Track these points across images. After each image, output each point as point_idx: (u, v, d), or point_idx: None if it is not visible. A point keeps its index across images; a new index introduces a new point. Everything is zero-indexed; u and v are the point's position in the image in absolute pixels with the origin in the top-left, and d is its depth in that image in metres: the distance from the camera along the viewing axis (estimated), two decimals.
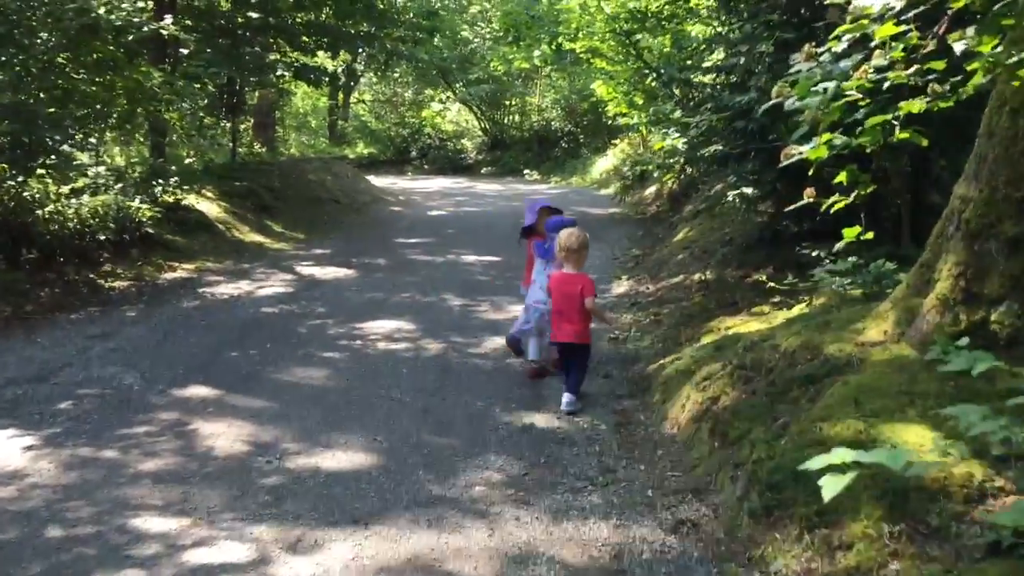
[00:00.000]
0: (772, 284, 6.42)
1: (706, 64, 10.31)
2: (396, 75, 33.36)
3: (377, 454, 4.83)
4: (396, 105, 35.78)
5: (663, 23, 16.79)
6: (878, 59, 2.76)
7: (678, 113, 6.71)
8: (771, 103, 3.03)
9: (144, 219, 10.55)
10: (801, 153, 3.00)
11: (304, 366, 6.62)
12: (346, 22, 17.05)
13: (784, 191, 8.05)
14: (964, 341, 3.95)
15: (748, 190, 6.98)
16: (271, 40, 16.89)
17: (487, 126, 32.77)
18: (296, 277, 10.31)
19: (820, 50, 2.91)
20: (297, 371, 6.49)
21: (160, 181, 11.56)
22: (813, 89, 2.86)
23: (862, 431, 3.61)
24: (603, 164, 24.31)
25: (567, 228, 6.05)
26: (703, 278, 8.30)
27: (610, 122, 26.22)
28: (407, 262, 11.33)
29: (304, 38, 16.91)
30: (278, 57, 17.43)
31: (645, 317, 7.84)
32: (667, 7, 16.33)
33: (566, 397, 5.61)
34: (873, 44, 2.77)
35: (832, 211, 4.24)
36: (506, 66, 24.27)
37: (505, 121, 32.80)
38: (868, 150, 3.07)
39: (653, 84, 18.35)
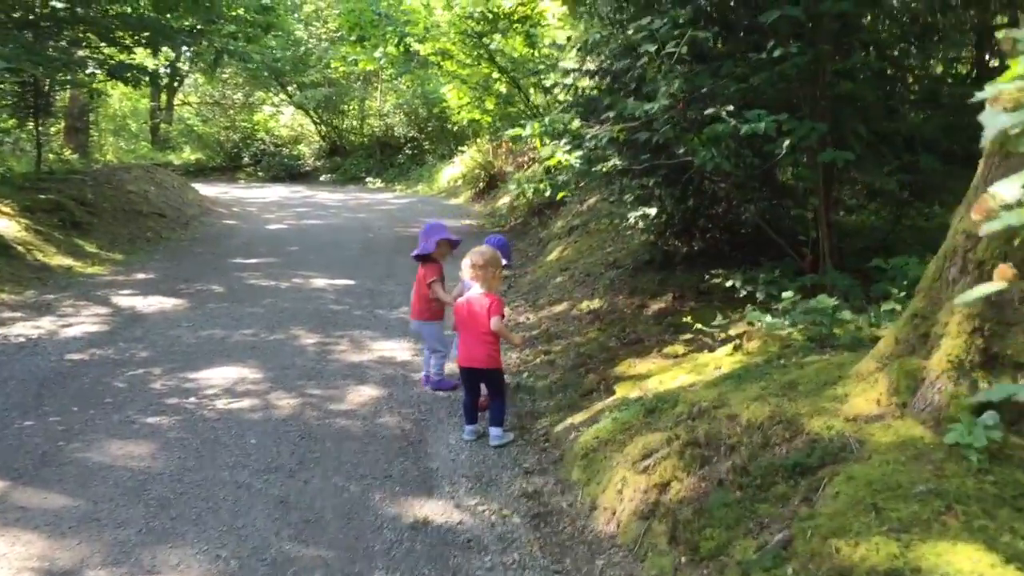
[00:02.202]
0: (699, 325, 5.53)
1: (567, 66, 9.46)
2: (225, 76, 31.20)
3: None
4: (225, 108, 33.54)
5: (515, 25, 15.97)
6: None
7: (576, 123, 5.72)
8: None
9: None
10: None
11: (122, 438, 5.23)
12: (168, 16, 15.29)
13: (681, 212, 7.25)
14: (991, 417, 3.12)
15: (651, 211, 6.12)
16: (81, 34, 14.94)
17: (325, 131, 31.14)
18: (113, 311, 8.71)
19: None
20: (113, 446, 5.10)
21: None
22: None
23: (897, 556, 2.70)
24: (451, 172, 23.28)
25: (476, 248, 5.52)
26: (593, 308, 7.38)
27: (456, 128, 25.32)
28: (247, 288, 9.89)
29: (119, 33, 15.03)
30: (89, 53, 15.48)
31: (534, 356, 6.82)
32: (520, 8, 15.52)
33: (494, 431, 5.21)
34: None
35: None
36: (349, 67, 22.84)
37: (344, 126, 31.26)
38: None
39: (503, 89, 17.57)
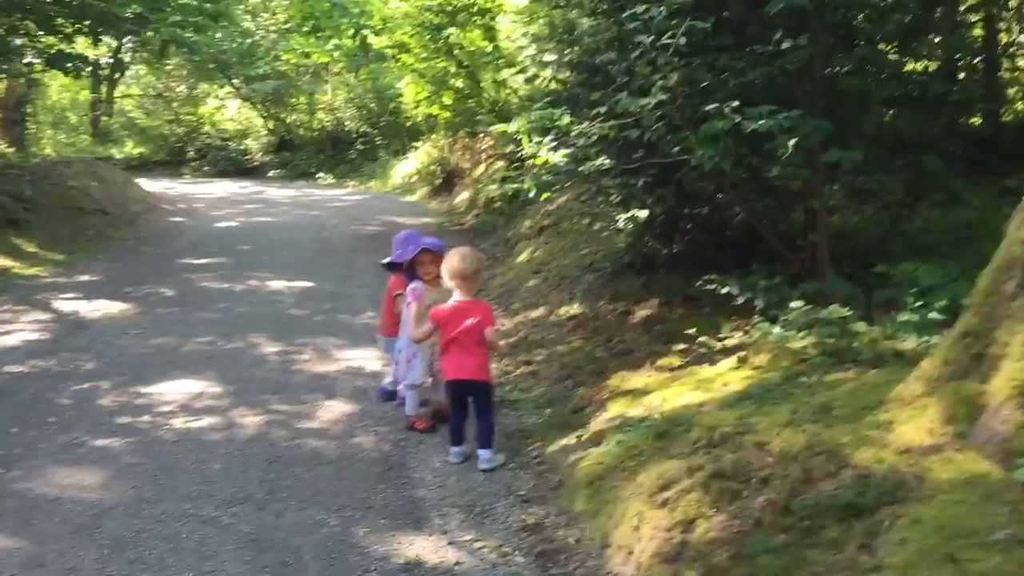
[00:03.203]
0: (704, 338, 5.18)
1: (547, 57, 9.10)
2: (169, 67, 30.19)
3: None
4: (169, 101, 32.49)
5: (474, 17, 15.55)
6: None
7: (567, 119, 5.33)
8: None
9: None
10: None
11: (69, 464, 4.72)
12: (111, 3, 14.55)
13: (665, 213, 6.90)
14: None
15: (642, 213, 5.77)
16: (18, 22, 14.16)
17: (273, 125, 30.31)
18: (54, 316, 8.12)
19: None
20: (59, 474, 4.59)
21: None
22: None
23: None
24: (404, 168, 22.73)
25: (457, 250, 5.06)
26: (573, 314, 7.00)
27: (409, 123, 24.77)
28: (199, 292, 9.32)
29: (59, 20, 14.28)
30: (27, 42, 14.70)
31: (514, 366, 6.42)
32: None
33: (483, 454, 4.75)
34: None
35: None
36: (300, 59, 22.13)
37: (292, 120, 30.46)
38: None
39: (460, 84, 17.10)
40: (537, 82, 9.41)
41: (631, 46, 5.58)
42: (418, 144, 22.89)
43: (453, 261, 4.93)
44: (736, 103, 4.86)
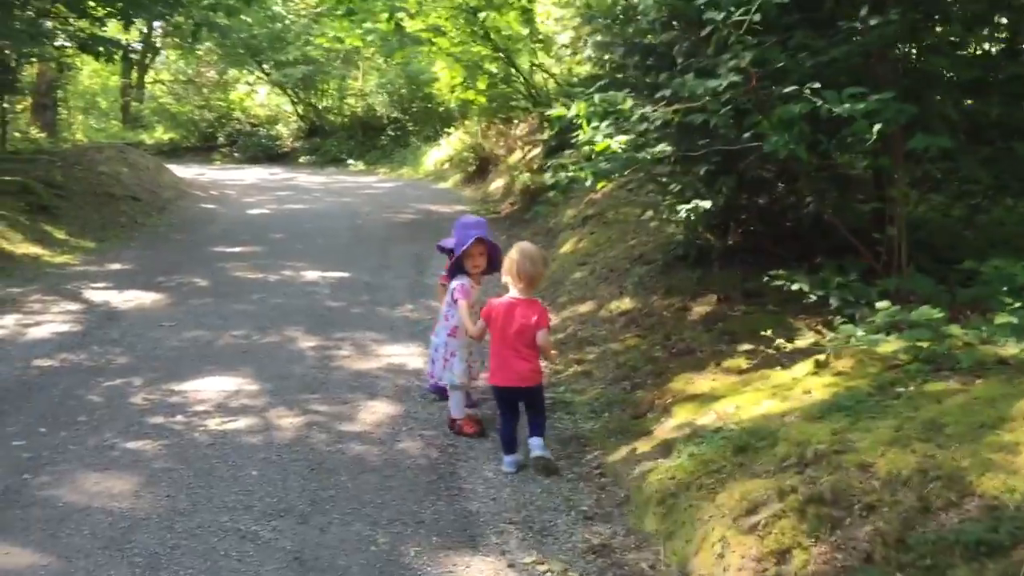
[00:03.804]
0: (780, 341, 4.81)
1: (592, 39, 8.76)
2: (200, 53, 29.97)
3: None
4: (199, 86, 32.31)
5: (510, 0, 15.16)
6: None
7: (629, 103, 4.96)
8: None
9: None
10: None
11: (99, 469, 4.43)
12: None
13: (724, 203, 6.51)
14: None
15: (705, 203, 5.40)
16: (49, 5, 13.94)
17: (303, 111, 30.04)
18: (85, 307, 7.85)
19: None
20: (88, 480, 4.31)
21: None
22: None
23: None
24: (437, 155, 22.38)
25: (523, 248, 4.70)
26: (624, 309, 6.64)
27: (442, 109, 24.43)
28: (232, 282, 9.03)
29: (90, 2, 14.03)
30: (57, 24, 14.48)
31: (565, 366, 6.07)
32: None
33: (536, 441, 4.53)
34: None
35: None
36: (332, 44, 21.84)
37: (323, 105, 30.18)
38: None
39: (495, 69, 16.73)
40: (587, 67, 9.02)
41: (696, 24, 5.19)
42: (451, 130, 22.55)
43: (518, 258, 4.60)
44: (817, 84, 4.46)
